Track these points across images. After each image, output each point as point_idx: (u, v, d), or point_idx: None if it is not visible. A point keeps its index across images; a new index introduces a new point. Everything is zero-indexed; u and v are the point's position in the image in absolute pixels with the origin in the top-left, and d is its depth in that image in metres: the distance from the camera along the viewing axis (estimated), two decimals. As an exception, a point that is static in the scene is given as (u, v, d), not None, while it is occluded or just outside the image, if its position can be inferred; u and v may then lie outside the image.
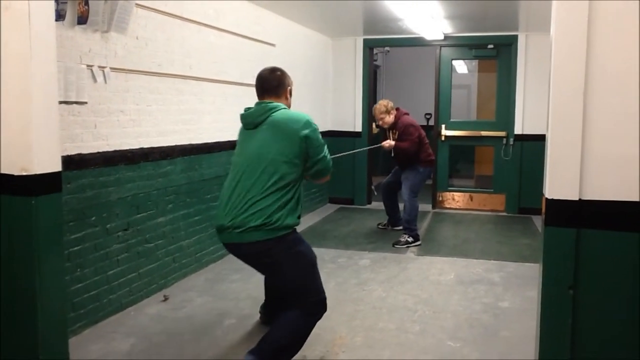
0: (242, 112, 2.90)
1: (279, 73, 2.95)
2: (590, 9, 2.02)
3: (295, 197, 2.75)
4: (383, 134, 5.93)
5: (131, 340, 3.26)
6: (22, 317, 2.52)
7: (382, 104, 5.65)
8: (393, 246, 5.41)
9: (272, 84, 2.91)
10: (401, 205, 5.88)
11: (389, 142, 5.58)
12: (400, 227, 5.85)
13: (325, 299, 2.83)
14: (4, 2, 2.40)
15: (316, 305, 2.79)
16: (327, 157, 2.86)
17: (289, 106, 2.96)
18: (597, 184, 2.07)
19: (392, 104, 5.66)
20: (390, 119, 5.62)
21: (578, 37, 2.04)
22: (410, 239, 5.47)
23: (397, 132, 5.62)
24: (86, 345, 3.16)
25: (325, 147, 2.85)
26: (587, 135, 2.06)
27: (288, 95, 2.97)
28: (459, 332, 3.40)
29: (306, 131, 2.72)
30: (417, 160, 5.59)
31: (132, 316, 3.61)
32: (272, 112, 2.79)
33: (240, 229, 2.66)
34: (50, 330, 2.56)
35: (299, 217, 2.79)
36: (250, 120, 2.83)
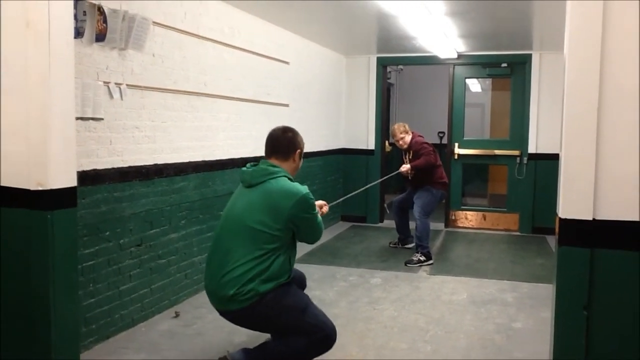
0: (244, 168, 2.87)
1: (290, 134, 2.89)
2: (604, 27, 2.02)
3: (274, 265, 2.66)
4: (397, 153, 5.96)
5: (142, 355, 3.26)
6: (36, 331, 2.53)
7: (400, 124, 5.82)
8: (405, 265, 5.38)
9: (281, 144, 2.85)
10: (412, 224, 5.86)
11: (405, 167, 5.64)
12: (411, 246, 5.84)
13: (329, 334, 2.78)
14: (24, 18, 2.45)
15: (322, 342, 2.77)
16: (318, 230, 2.85)
17: (296, 169, 2.93)
18: (611, 204, 2.05)
19: (408, 126, 5.82)
20: (408, 138, 5.74)
21: (591, 55, 2.04)
22: (422, 258, 5.44)
23: (411, 153, 5.71)
24: (97, 360, 3.17)
25: (317, 218, 2.82)
26: (601, 154, 2.05)
27: (297, 158, 2.90)
28: (471, 353, 3.36)
29: (295, 211, 2.66)
30: (430, 182, 5.63)
31: (143, 332, 3.61)
32: (270, 179, 2.73)
33: (218, 297, 2.71)
34: (63, 345, 2.57)
35: (277, 281, 2.68)
36: (247, 179, 2.80)
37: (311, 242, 2.92)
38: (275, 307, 2.67)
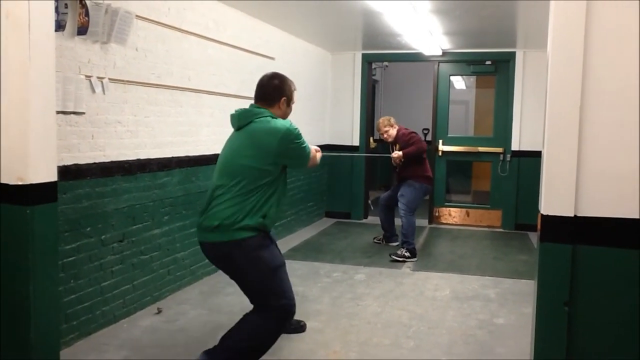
0: (232, 112, 2.93)
1: (276, 81, 2.94)
2: (587, 25, 2.04)
3: (262, 201, 2.71)
4: (382, 149, 5.99)
5: (124, 352, 3.23)
6: (15, 327, 2.50)
7: (385, 118, 5.84)
8: (390, 256, 5.42)
9: (267, 91, 2.92)
10: (398, 221, 5.88)
11: (397, 153, 5.64)
12: (395, 244, 5.87)
13: (288, 305, 2.76)
14: (4, 8, 2.41)
15: (277, 311, 2.74)
16: (306, 157, 2.91)
17: (283, 115, 2.94)
18: (593, 201, 2.07)
19: (394, 119, 5.84)
20: (393, 132, 5.75)
21: (574, 54, 2.05)
22: (407, 254, 5.46)
23: (398, 146, 5.73)
24: (78, 357, 3.14)
25: (305, 146, 2.87)
26: (583, 151, 2.07)
27: (283, 105, 2.94)
28: (453, 349, 3.38)
29: (283, 146, 2.73)
30: (415, 175, 5.64)
31: (125, 328, 3.58)
32: (255, 119, 2.80)
33: (202, 227, 2.76)
34: (42, 341, 2.54)
35: (263, 218, 2.72)
36: (235, 122, 2.88)
37: (302, 167, 3.03)
38: (250, 254, 2.70)
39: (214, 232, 2.69)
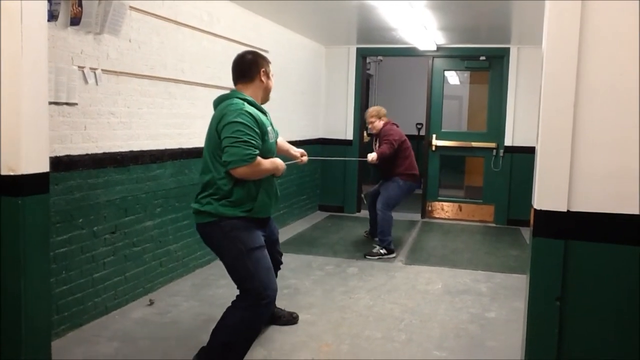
0: None
1: (249, 57, 2.93)
2: (582, 22, 2.04)
3: (237, 190, 2.71)
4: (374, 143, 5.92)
5: (115, 344, 3.22)
6: (6, 318, 2.49)
7: (375, 108, 5.65)
8: (365, 257, 5.32)
9: (242, 68, 2.90)
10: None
11: (371, 156, 5.42)
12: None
13: (259, 289, 2.68)
14: (-5, 0, 2.39)
15: (250, 295, 2.70)
16: (237, 154, 2.61)
17: (267, 89, 2.96)
18: (586, 196, 2.08)
19: (385, 112, 5.61)
20: (379, 124, 5.54)
21: (569, 50, 2.06)
22: (382, 251, 5.34)
23: (379, 141, 5.57)
24: (69, 349, 3.13)
25: (243, 141, 2.62)
26: (576, 147, 2.08)
27: (263, 78, 2.91)
28: (445, 342, 3.40)
29: (220, 125, 2.68)
30: (397, 173, 5.49)
31: (117, 320, 3.58)
32: (222, 101, 2.81)
33: (192, 210, 2.85)
34: (33, 332, 2.54)
35: (248, 211, 2.75)
36: (214, 105, 2.90)
37: (232, 166, 2.64)
38: (227, 234, 2.72)
39: (196, 215, 2.82)
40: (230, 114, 2.67)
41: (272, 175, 2.88)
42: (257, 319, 2.74)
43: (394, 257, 5.35)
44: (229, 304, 2.80)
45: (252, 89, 2.90)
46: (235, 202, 2.74)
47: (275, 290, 2.81)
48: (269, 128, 2.88)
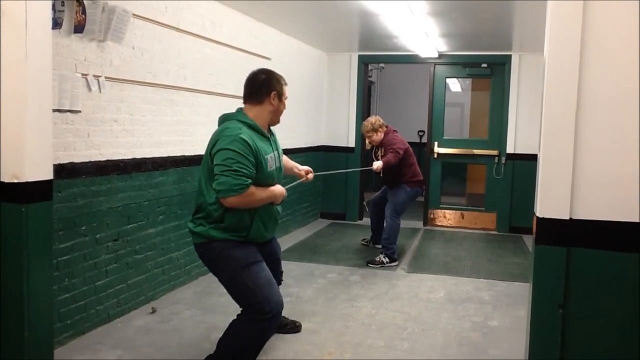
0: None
1: (263, 76, 2.78)
2: (584, 29, 2.05)
3: (228, 217, 2.65)
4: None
5: (117, 352, 3.22)
6: (9, 325, 2.49)
7: (369, 121, 5.48)
8: (367, 265, 5.29)
9: (252, 88, 2.78)
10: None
11: (377, 164, 5.34)
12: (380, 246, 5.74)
13: (262, 303, 2.60)
14: (1, 6, 2.40)
15: (255, 310, 2.63)
16: (226, 183, 2.53)
17: (276, 112, 2.81)
18: (588, 204, 2.08)
19: (381, 122, 5.47)
20: (378, 137, 5.45)
21: (571, 57, 2.06)
22: (385, 259, 5.31)
23: (382, 150, 5.50)
24: (72, 356, 3.13)
25: (233, 171, 2.53)
26: (578, 154, 2.08)
27: (275, 100, 2.77)
28: (447, 351, 3.39)
29: (214, 150, 2.59)
30: (404, 180, 5.49)
31: (119, 328, 3.57)
32: (223, 122, 2.76)
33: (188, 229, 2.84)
34: (36, 340, 2.54)
35: (243, 237, 2.71)
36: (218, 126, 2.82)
37: (220, 195, 2.56)
38: (220, 254, 2.70)
39: (192, 236, 2.81)
40: (224, 140, 2.57)
41: (271, 203, 2.79)
42: (262, 333, 2.70)
43: (396, 265, 5.33)
44: (232, 312, 2.80)
45: (257, 111, 2.76)
46: (227, 228, 2.68)
47: (279, 303, 2.69)
48: (270, 155, 2.74)
